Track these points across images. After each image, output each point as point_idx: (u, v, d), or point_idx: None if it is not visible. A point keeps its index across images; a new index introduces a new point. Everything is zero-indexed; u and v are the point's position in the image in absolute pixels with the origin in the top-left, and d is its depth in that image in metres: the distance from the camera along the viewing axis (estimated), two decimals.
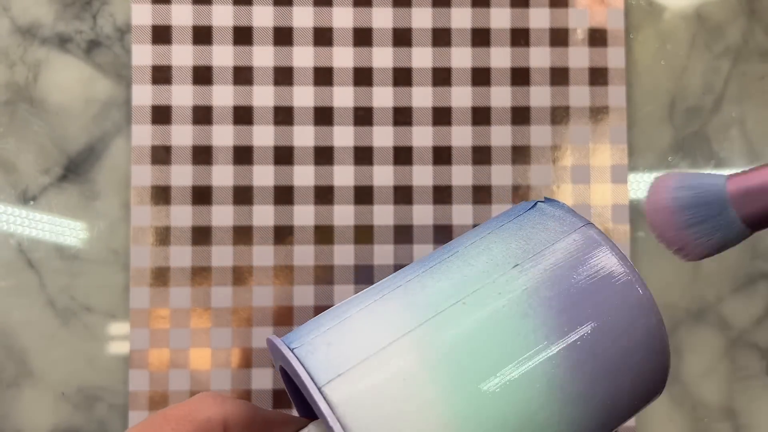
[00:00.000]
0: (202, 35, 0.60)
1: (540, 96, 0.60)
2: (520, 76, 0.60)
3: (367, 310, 0.33)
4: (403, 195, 0.59)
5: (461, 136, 0.59)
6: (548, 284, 0.32)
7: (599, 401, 0.32)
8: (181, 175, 0.59)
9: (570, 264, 0.33)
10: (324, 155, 0.59)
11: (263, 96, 0.59)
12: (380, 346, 0.31)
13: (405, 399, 0.30)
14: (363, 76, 0.60)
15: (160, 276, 0.58)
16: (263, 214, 0.59)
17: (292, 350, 0.32)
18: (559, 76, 0.60)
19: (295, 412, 0.51)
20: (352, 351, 0.31)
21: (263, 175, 0.59)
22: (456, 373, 0.31)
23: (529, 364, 0.31)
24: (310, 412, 0.39)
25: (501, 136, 0.60)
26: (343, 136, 0.59)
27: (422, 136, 0.59)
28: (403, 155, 0.59)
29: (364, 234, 0.59)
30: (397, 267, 0.59)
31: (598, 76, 0.60)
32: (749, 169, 0.35)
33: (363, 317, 0.33)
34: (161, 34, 0.60)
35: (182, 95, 0.59)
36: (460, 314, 0.32)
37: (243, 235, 0.59)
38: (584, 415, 0.31)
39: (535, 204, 0.37)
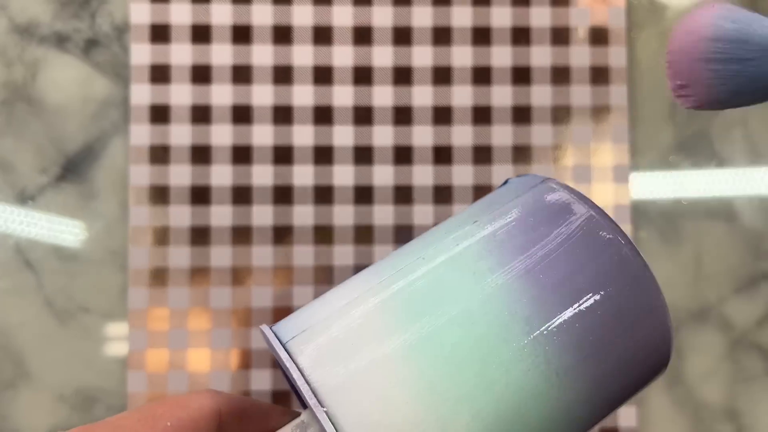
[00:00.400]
0: (201, 34, 0.59)
1: (541, 95, 0.60)
2: (522, 75, 0.60)
3: (337, 287, 0.33)
4: (403, 195, 0.59)
5: (462, 135, 0.59)
6: (504, 228, 0.31)
7: (566, 327, 0.30)
8: (180, 174, 0.58)
9: (527, 210, 0.32)
10: (323, 155, 0.59)
11: (262, 95, 0.59)
12: (341, 303, 0.31)
13: (366, 350, 0.29)
14: (363, 75, 0.59)
15: (159, 276, 0.58)
16: (262, 214, 0.58)
17: (270, 328, 0.32)
18: (561, 75, 0.60)
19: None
20: (316, 312, 0.31)
21: (262, 175, 0.59)
22: (410, 308, 0.30)
23: (487, 298, 0.30)
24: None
25: (502, 135, 0.59)
26: (343, 135, 0.59)
27: (423, 136, 0.59)
28: (403, 155, 0.59)
29: (364, 234, 0.58)
30: None
31: (599, 75, 0.60)
32: None
33: (331, 292, 0.33)
34: (160, 33, 0.59)
35: (181, 94, 0.59)
36: (418, 266, 0.31)
37: (242, 235, 0.58)
38: (557, 350, 0.29)
39: (507, 181, 0.36)
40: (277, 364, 0.49)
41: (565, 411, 0.30)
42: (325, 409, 0.28)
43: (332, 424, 0.28)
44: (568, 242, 0.30)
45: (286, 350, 0.30)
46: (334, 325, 0.30)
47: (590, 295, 0.30)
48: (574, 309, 0.29)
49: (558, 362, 0.29)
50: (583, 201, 0.32)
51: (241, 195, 0.59)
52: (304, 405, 0.36)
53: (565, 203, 0.32)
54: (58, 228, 0.59)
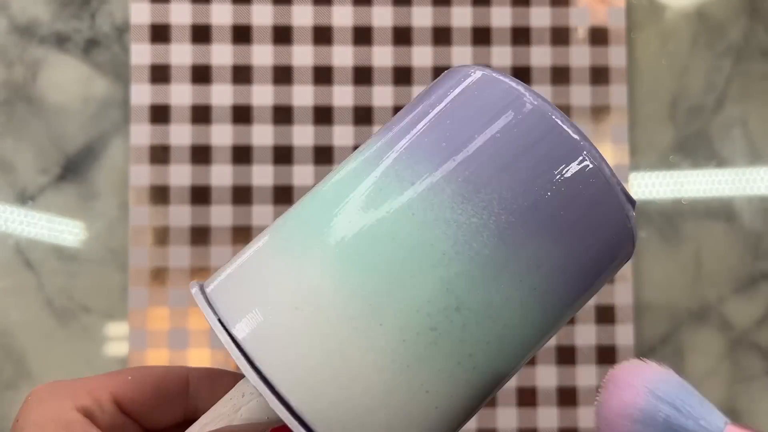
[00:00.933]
0: (201, 34, 0.59)
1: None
2: (522, 75, 0.60)
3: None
4: None
5: None
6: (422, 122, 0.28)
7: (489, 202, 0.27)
8: (180, 174, 0.58)
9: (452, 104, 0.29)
10: (324, 154, 0.59)
11: (262, 95, 0.59)
12: (256, 239, 0.30)
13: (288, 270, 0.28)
14: (363, 75, 0.59)
15: (159, 276, 0.58)
16: (262, 214, 0.58)
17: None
18: (561, 75, 0.60)
19: None
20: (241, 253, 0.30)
21: (262, 175, 0.59)
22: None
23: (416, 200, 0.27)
24: None
25: None
26: (343, 135, 0.59)
27: None
28: None
29: None
30: None
31: (599, 75, 0.60)
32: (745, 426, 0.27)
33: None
34: (160, 33, 0.59)
35: (181, 94, 0.59)
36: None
37: (242, 235, 0.58)
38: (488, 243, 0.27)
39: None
40: None
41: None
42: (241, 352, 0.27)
43: (249, 365, 0.27)
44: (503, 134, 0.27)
45: (205, 297, 0.29)
46: (241, 269, 0.29)
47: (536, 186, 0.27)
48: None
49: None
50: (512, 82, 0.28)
51: (241, 195, 0.59)
52: None
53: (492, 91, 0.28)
54: (58, 228, 0.59)
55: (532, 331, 0.28)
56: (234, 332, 0.27)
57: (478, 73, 0.28)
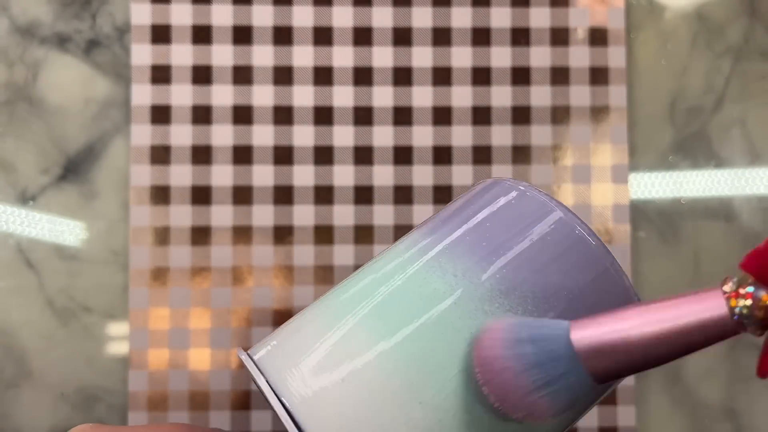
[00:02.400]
0: (202, 34, 0.60)
1: (540, 95, 0.60)
2: (521, 76, 0.60)
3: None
4: (403, 195, 0.59)
5: (462, 135, 0.59)
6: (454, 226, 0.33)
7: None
8: (181, 175, 0.59)
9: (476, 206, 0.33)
10: (324, 155, 0.59)
11: (263, 95, 0.59)
12: (307, 311, 0.33)
13: (332, 340, 0.31)
14: (363, 76, 0.60)
15: (160, 276, 0.58)
16: (263, 214, 0.58)
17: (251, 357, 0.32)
18: (560, 75, 0.60)
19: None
20: (287, 324, 0.32)
21: (263, 175, 0.59)
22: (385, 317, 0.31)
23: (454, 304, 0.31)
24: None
25: (501, 135, 0.60)
26: (343, 135, 0.59)
27: (422, 136, 0.59)
28: (403, 155, 0.59)
29: (364, 234, 0.59)
30: None
31: (598, 76, 0.60)
32: (591, 317, 0.29)
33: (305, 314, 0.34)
34: (160, 34, 0.59)
35: (182, 95, 0.59)
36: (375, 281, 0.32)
37: (242, 235, 0.58)
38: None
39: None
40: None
41: None
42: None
43: None
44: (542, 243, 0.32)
45: (270, 387, 0.31)
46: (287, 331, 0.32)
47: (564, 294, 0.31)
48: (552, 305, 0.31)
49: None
50: (553, 201, 0.33)
51: (242, 195, 0.59)
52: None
53: (536, 204, 0.33)
54: (59, 228, 0.59)
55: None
56: (283, 398, 0.29)
57: (517, 189, 0.33)
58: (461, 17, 0.60)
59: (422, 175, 0.59)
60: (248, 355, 0.32)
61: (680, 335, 0.29)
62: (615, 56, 0.60)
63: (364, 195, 0.59)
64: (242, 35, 0.60)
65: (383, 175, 0.59)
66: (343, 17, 0.60)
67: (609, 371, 0.29)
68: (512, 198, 0.33)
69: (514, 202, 0.33)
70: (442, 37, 0.60)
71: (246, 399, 0.58)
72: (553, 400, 0.29)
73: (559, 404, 0.29)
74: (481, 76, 0.60)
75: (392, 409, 0.29)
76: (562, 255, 0.31)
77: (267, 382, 0.30)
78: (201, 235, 0.58)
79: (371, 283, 0.32)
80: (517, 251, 0.31)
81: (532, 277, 0.31)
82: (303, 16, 0.60)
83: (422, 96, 0.59)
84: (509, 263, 0.31)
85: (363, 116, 0.59)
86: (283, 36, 0.60)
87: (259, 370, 0.31)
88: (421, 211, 0.59)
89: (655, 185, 0.61)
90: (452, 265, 0.31)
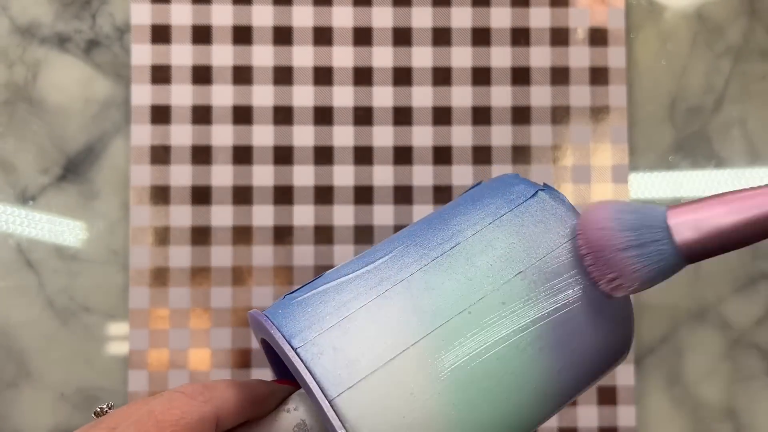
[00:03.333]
0: (202, 35, 0.60)
1: (540, 96, 0.60)
2: (521, 76, 0.60)
3: (371, 309, 0.33)
4: (403, 195, 0.59)
5: (461, 135, 0.59)
6: (554, 320, 0.34)
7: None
8: (181, 175, 0.59)
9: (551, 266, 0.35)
10: (324, 155, 0.59)
11: (263, 95, 0.59)
12: (387, 357, 0.32)
13: (411, 413, 0.31)
14: (363, 76, 0.60)
15: (160, 276, 0.58)
16: (263, 214, 0.58)
17: (295, 350, 0.32)
18: (560, 75, 0.60)
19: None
20: (360, 361, 0.32)
21: (263, 175, 0.59)
22: (462, 391, 0.32)
23: (532, 394, 0.34)
24: (284, 371, 0.40)
25: (501, 135, 0.60)
26: (343, 135, 0.59)
27: (422, 136, 0.59)
28: (403, 155, 0.59)
29: (364, 234, 0.59)
30: None
31: (598, 76, 0.60)
32: (688, 204, 0.33)
33: (367, 319, 0.33)
34: (160, 34, 0.59)
35: (181, 95, 0.59)
36: (465, 326, 0.33)
37: (242, 235, 0.58)
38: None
39: (536, 192, 0.37)
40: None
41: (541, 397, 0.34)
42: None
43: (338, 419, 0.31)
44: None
45: (332, 406, 0.31)
46: (381, 391, 0.32)
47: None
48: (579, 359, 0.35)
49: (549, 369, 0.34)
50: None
51: (242, 195, 0.59)
52: (281, 372, 0.39)
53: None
54: (59, 228, 0.59)
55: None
56: (329, 393, 0.31)
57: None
58: (461, 17, 0.60)
59: (422, 175, 0.59)
60: (293, 348, 0.33)
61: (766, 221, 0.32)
62: (615, 56, 0.60)
63: (364, 195, 0.59)
64: (242, 35, 0.60)
65: (383, 175, 0.59)
66: (343, 17, 0.60)
67: (698, 249, 0.32)
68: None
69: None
70: (442, 37, 0.60)
71: None
72: (643, 263, 0.32)
73: (647, 270, 0.32)
74: (481, 76, 0.60)
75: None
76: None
77: (325, 396, 0.31)
78: (201, 235, 0.58)
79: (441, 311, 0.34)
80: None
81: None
82: (303, 16, 0.60)
83: (422, 96, 0.59)
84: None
85: (363, 116, 0.59)
86: (283, 36, 0.60)
87: (314, 377, 0.32)
88: (421, 210, 0.59)
89: (655, 185, 0.61)
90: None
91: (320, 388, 0.31)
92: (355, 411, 0.31)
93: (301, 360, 0.32)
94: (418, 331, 0.32)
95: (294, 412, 0.34)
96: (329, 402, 0.31)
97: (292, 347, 0.32)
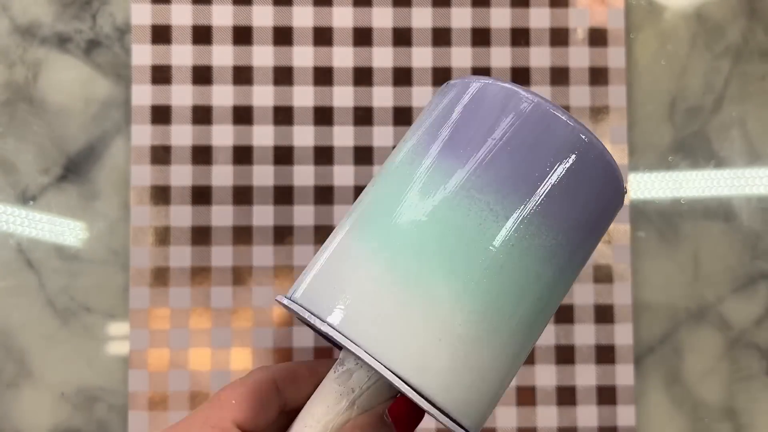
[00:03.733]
0: (202, 35, 0.60)
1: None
2: (521, 76, 0.60)
3: (369, 267, 0.34)
4: None
5: None
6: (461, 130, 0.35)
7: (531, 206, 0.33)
8: (181, 175, 0.59)
9: (476, 110, 0.35)
10: (324, 155, 0.59)
11: (263, 96, 0.59)
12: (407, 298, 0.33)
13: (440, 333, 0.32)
14: (363, 76, 0.60)
15: (160, 276, 0.58)
16: (263, 214, 0.59)
17: (332, 326, 0.33)
18: (560, 75, 0.60)
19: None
20: (334, 281, 0.34)
21: (263, 175, 0.59)
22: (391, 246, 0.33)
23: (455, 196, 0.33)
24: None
25: None
26: (343, 135, 0.59)
27: None
28: None
29: None
30: None
31: (598, 76, 0.60)
32: None
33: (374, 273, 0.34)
34: (161, 34, 0.60)
35: (182, 95, 0.59)
36: (401, 201, 0.35)
37: (243, 235, 0.58)
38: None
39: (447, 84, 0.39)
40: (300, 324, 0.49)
41: (551, 274, 0.34)
42: (355, 345, 0.32)
43: (363, 350, 0.32)
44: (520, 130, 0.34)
45: (317, 317, 0.33)
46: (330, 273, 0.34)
47: (547, 173, 0.33)
48: (536, 192, 0.33)
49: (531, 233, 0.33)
50: (524, 90, 0.35)
51: (242, 195, 0.59)
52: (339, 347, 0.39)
53: (508, 95, 0.34)
54: (59, 228, 0.59)
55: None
56: (330, 320, 0.33)
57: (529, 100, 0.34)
58: (461, 18, 0.60)
59: None
60: (304, 308, 0.34)
61: None
62: (614, 56, 0.61)
63: None
64: (242, 35, 0.60)
65: None
66: (343, 18, 0.60)
67: None
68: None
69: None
70: (442, 37, 0.60)
71: None
72: None
73: None
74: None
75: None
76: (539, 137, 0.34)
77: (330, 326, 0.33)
78: (201, 235, 0.58)
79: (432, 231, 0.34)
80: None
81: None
82: (303, 17, 0.60)
83: (422, 96, 0.60)
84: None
85: (363, 116, 0.59)
86: (283, 36, 0.60)
87: (320, 318, 0.33)
88: None
89: (655, 185, 0.61)
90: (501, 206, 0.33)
91: (302, 306, 0.34)
92: (335, 309, 0.33)
93: (339, 332, 0.33)
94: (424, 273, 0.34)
95: (339, 369, 0.35)
96: (312, 313, 0.33)
97: (328, 324, 0.33)
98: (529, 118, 0.34)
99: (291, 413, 0.36)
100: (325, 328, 0.32)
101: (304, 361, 0.37)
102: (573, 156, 0.33)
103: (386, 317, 0.32)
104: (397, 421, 0.34)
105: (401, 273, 0.32)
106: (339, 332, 0.32)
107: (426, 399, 0.31)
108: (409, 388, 0.31)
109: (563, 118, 0.34)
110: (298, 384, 0.36)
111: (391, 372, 0.31)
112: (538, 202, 0.33)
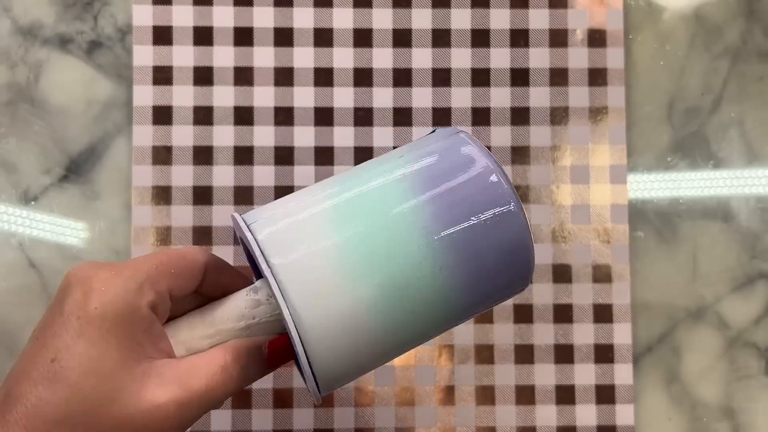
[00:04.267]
0: (203, 36, 0.60)
1: (539, 96, 0.60)
2: (520, 77, 0.60)
3: (311, 207, 0.40)
4: None
5: None
6: (423, 164, 0.40)
7: (452, 238, 0.38)
8: (182, 175, 0.59)
9: (442, 154, 0.41)
10: (324, 156, 0.59)
11: (264, 96, 0.60)
12: (294, 205, 0.40)
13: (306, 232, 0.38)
14: (363, 77, 0.60)
15: None
16: None
17: (248, 225, 0.39)
18: (559, 76, 0.61)
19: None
20: (297, 241, 0.38)
21: (264, 176, 0.59)
22: (345, 214, 0.39)
23: (400, 210, 0.39)
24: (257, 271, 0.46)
25: (500, 136, 0.60)
26: (344, 136, 0.59)
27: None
28: None
29: None
30: None
31: (597, 77, 0.61)
32: None
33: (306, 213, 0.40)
34: (162, 35, 0.60)
35: (183, 96, 0.59)
36: (357, 185, 0.40)
37: None
38: (443, 251, 0.38)
39: (433, 131, 0.44)
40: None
41: (444, 298, 0.39)
42: (274, 276, 0.37)
43: (278, 287, 0.36)
44: (466, 182, 0.39)
45: (249, 230, 0.38)
46: (286, 219, 0.39)
47: (472, 218, 0.38)
48: (460, 226, 0.38)
49: (442, 261, 0.38)
50: (484, 154, 0.40)
51: (243, 195, 0.59)
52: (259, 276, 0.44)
53: (470, 154, 0.40)
54: (61, 228, 0.59)
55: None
56: (271, 260, 0.37)
57: (483, 164, 0.40)
58: (461, 19, 0.60)
59: None
60: (243, 221, 0.39)
61: None
62: (613, 57, 0.61)
63: None
64: (243, 37, 0.60)
65: None
66: (343, 19, 0.60)
67: None
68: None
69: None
70: (441, 38, 0.60)
71: (247, 398, 0.58)
72: None
73: None
74: (481, 77, 0.60)
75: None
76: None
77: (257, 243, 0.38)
78: (203, 235, 0.59)
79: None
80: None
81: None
82: (303, 18, 0.60)
83: (422, 96, 0.60)
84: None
85: (363, 117, 0.60)
86: (284, 37, 0.60)
87: (252, 233, 0.38)
88: None
89: (654, 186, 0.61)
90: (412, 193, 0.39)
91: (243, 219, 0.39)
92: (265, 231, 0.38)
93: (250, 230, 0.38)
94: (321, 191, 0.40)
95: (252, 294, 0.40)
96: (267, 263, 0.37)
97: (246, 224, 0.39)
98: (478, 179, 0.39)
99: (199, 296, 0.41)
100: (261, 261, 0.37)
101: (232, 266, 0.42)
102: (496, 217, 0.39)
103: (313, 283, 0.37)
104: (270, 355, 0.39)
105: (347, 261, 0.37)
106: (270, 269, 0.37)
107: (305, 352, 0.37)
108: (298, 339, 0.36)
109: (505, 186, 0.39)
110: (218, 280, 0.40)
111: (293, 321, 0.36)
112: (456, 245, 0.38)
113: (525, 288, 0.42)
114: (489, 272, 0.39)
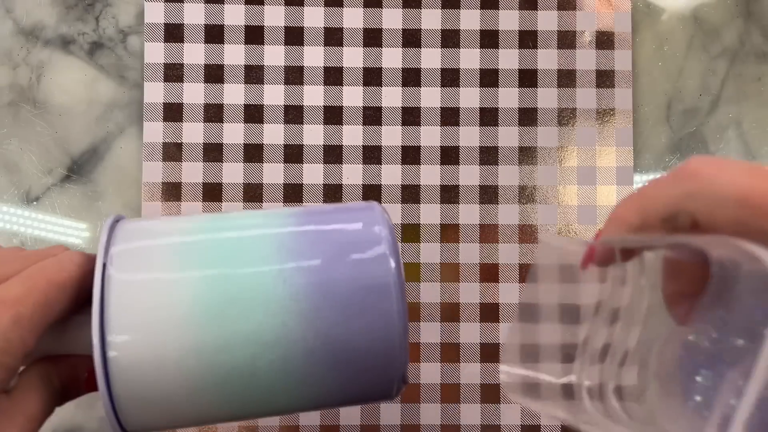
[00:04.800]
0: (214, 34, 0.60)
1: (547, 97, 0.61)
2: (528, 78, 0.61)
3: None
4: (410, 194, 0.60)
5: (469, 136, 0.60)
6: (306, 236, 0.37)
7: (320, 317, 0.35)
8: (192, 172, 0.59)
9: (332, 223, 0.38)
10: (333, 154, 0.60)
11: (274, 94, 0.60)
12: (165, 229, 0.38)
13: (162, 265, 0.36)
14: (372, 76, 0.60)
15: None
16: None
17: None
18: (566, 78, 0.61)
19: None
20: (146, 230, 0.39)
21: (273, 173, 0.59)
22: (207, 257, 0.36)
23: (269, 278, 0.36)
24: None
25: (508, 136, 0.61)
26: (352, 135, 0.60)
27: (430, 136, 0.60)
28: (411, 154, 0.60)
29: None
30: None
31: (604, 79, 0.62)
32: None
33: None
34: (173, 32, 0.60)
35: (193, 93, 0.59)
36: (232, 229, 0.38)
37: None
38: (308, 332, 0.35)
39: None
40: None
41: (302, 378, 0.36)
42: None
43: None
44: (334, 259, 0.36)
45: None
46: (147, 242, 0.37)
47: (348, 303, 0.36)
48: (331, 306, 0.35)
49: (304, 343, 0.35)
50: (386, 239, 0.37)
51: (252, 193, 0.59)
52: None
53: (369, 234, 0.38)
54: (63, 228, 0.59)
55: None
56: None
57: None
58: (470, 20, 0.61)
59: (430, 174, 0.60)
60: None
61: None
62: (621, 59, 0.62)
63: (372, 193, 0.59)
64: (254, 35, 0.60)
65: (391, 174, 0.60)
66: (353, 19, 0.61)
67: None
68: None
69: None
70: (450, 39, 0.61)
71: None
72: None
73: None
74: (489, 77, 0.61)
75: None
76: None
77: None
78: None
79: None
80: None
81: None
82: (314, 17, 0.61)
83: (431, 96, 0.60)
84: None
85: (372, 116, 0.60)
86: (294, 36, 0.60)
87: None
88: (428, 209, 0.59)
89: None
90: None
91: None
92: (118, 254, 0.36)
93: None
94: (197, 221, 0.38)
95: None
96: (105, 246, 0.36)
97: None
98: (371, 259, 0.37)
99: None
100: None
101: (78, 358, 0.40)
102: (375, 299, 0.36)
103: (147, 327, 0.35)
104: (88, 380, 0.39)
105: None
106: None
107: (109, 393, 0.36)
108: (106, 391, 0.36)
109: (393, 270, 0.37)
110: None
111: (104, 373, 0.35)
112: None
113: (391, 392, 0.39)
114: (350, 364, 0.37)
